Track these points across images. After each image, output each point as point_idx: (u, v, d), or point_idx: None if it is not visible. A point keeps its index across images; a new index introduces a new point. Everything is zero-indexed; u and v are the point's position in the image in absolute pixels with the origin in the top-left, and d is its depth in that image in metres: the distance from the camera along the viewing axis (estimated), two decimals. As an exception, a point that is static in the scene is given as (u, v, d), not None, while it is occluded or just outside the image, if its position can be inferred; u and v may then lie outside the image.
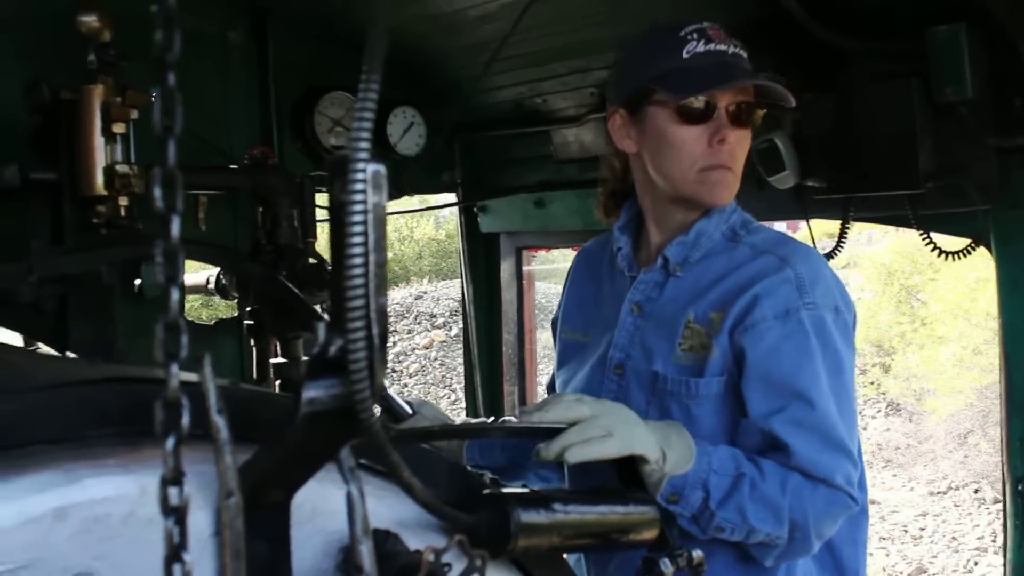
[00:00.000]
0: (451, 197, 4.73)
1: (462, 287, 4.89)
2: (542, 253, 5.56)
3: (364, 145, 0.93)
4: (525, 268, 4.84)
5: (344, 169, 0.93)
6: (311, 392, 0.94)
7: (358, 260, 0.92)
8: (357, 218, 0.92)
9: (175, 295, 0.93)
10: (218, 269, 3.82)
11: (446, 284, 21.20)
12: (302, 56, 4.02)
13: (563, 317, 2.76)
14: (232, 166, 3.57)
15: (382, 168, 0.94)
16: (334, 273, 0.94)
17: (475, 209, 4.69)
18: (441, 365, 18.36)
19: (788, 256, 2.31)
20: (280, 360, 3.30)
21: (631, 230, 2.58)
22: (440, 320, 19.90)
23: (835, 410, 2.21)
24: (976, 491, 12.09)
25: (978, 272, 11.39)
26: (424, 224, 22.50)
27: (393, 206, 5.31)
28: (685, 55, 2.31)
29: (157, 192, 0.93)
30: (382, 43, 0.95)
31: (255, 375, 3.36)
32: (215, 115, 3.86)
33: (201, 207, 3.52)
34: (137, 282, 3.31)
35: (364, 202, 0.92)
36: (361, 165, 0.93)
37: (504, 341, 4.72)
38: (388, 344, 0.95)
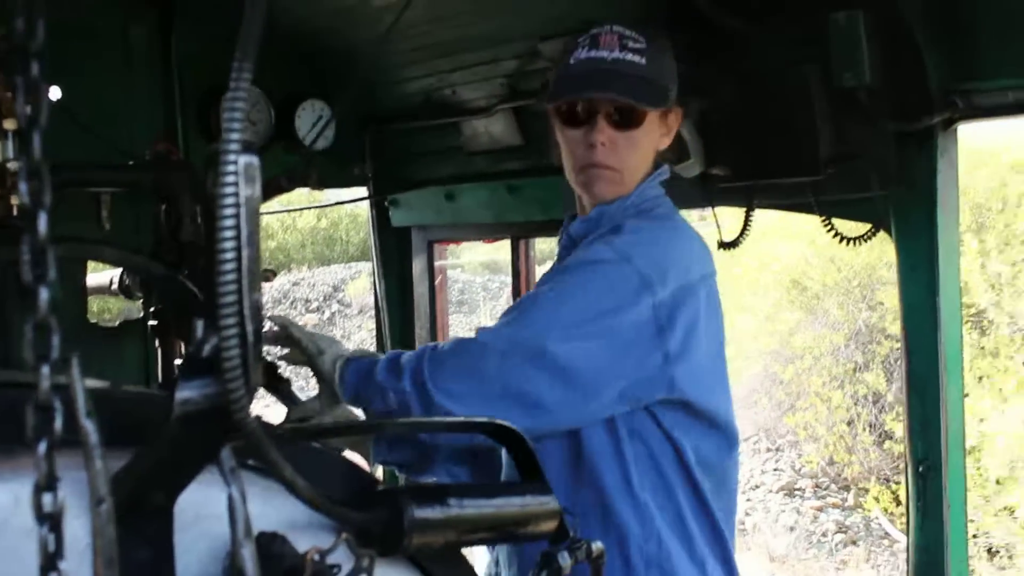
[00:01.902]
0: (362, 191, 4.70)
1: (374, 282, 4.86)
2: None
3: (235, 136, 0.91)
4: (437, 263, 4.83)
5: (217, 161, 0.91)
6: (185, 392, 0.92)
7: (230, 255, 0.90)
8: (229, 211, 0.90)
9: (44, 294, 0.89)
10: (121, 269, 3.74)
11: (323, 271, 21.84)
12: (208, 51, 3.95)
13: None
14: (133, 163, 3.50)
15: (255, 160, 0.92)
16: (206, 269, 0.92)
17: (386, 203, 4.66)
18: (313, 348, 18.90)
19: (624, 225, 2.47)
20: (186, 361, 3.24)
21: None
22: (315, 304, 20.65)
23: (534, 313, 2.37)
24: (756, 442, 13.57)
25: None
26: (306, 213, 22.83)
27: (303, 202, 5.26)
28: (571, 61, 2.50)
29: (23, 187, 0.89)
30: (256, 27, 0.93)
31: (160, 376, 3.31)
32: (118, 111, 3.79)
33: (103, 205, 3.45)
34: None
35: (236, 195, 0.90)
36: (232, 157, 0.90)
37: (416, 336, 4.69)
38: (263, 341, 0.93)
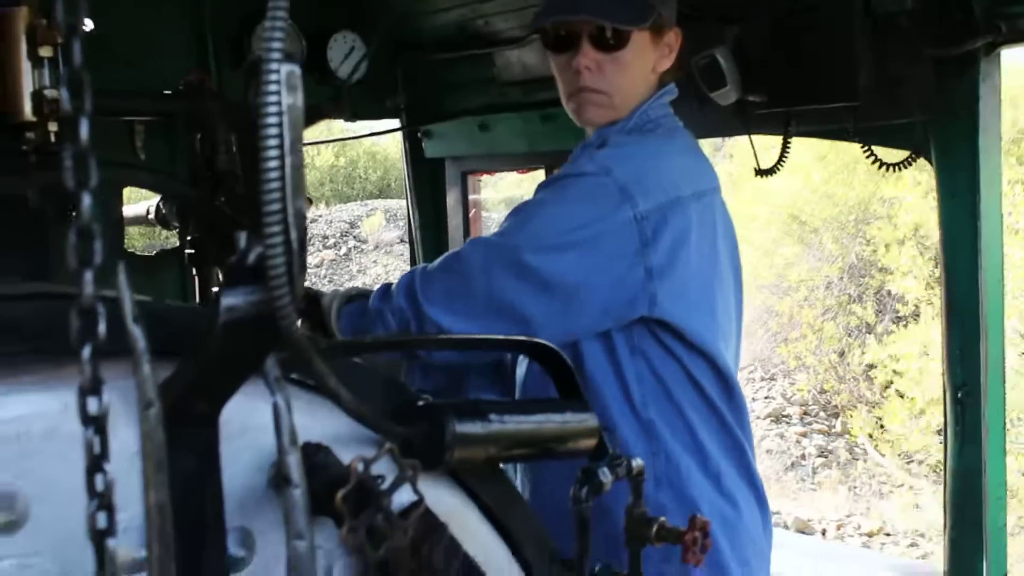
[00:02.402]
0: (394, 123, 4.68)
1: (408, 214, 4.85)
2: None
3: (277, 46, 0.90)
4: (471, 196, 4.81)
5: (257, 71, 0.90)
6: (229, 300, 0.92)
7: (274, 163, 0.89)
8: (272, 120, 0.90)
9: (87, 200, 0.90)
10: (158, 199, 3.76)
11: (339, 208, 22.05)
12: None
13: None
14: (167, 92, 3.50)
15: (296, 69, 0.91)
16: (249, 177, 0.92)
17: (419, 134, 4.64)
18: (330, 282, 19.39)
19: (609, 139, 2.49)
20: (224, 289, 3.26)
21: None
22: (331, 241, 20.96)
23: (515, 226, 2.38)
24: (751, 371, 14.04)
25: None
26: (325, 152, 22.99)
27: (331, 134, 5.25)
28: None
29: (64, 94, 0.89)
30: None
31: (199, 304, 3.32)
32: (151, 43, 3.77)
33: (137, 135, 3.46)
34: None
35: (278, 103, 0.90)
36: (274, 66, 0.90)
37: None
38: (307, 249, 0.93)
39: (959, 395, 2.83)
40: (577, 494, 1.47)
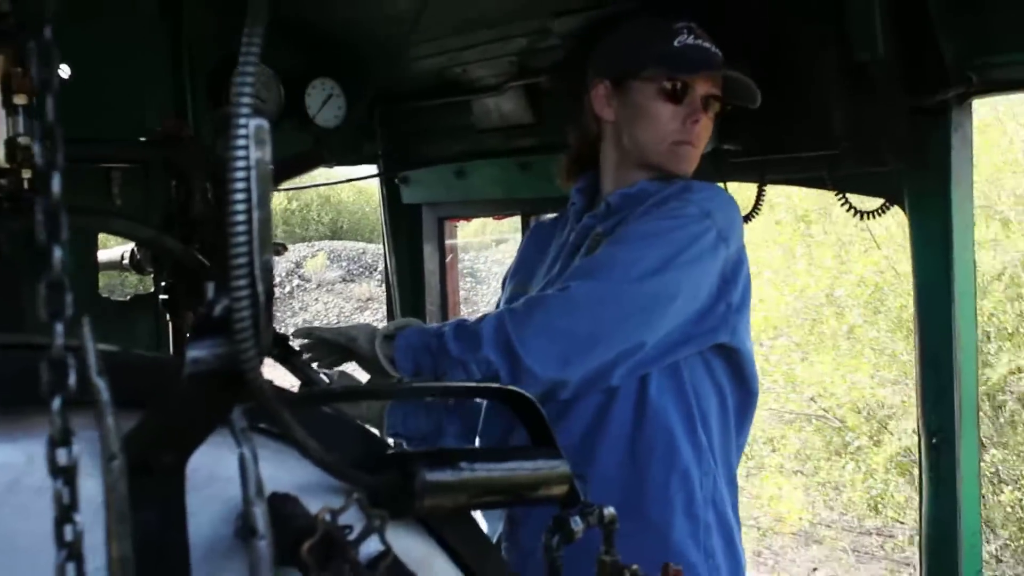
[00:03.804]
0: (372, 168, 4.70)
1: (385, 259, 4.86)
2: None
3: (246, 100, 0.91)
4: (448, 242, 4.83)
5: (226, 125, 0.91)
6: (195, 352, 0.92)
7: (242, 217, 0.90)
8: (240, 174, 0.90)
9: (57, 253, 0.90)
10: (132, 245, 3.75)
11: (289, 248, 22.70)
12: (218, 28, 3.95)
13: (511, 273, 2.98)
14: (143, 139, 3.50)
15: (265, 123, 0.92)
16: (218, 231, 0.92)
17: (396, 180, 4.66)
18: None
19: (693, 184, 2.64)
20: (197, 335, 3.24)
21: (588, 192, 2.86)
22: (277, 280, 21.73)
23: (617, 263, 2.47)
24: None
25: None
26: (278, 195, 23.50)
27: (311, 179, 5.26)
28: (676, 44, 2.65)
29: (36, 148, 0.90)
30: None
31: (171, 350, 3.31)
32: (128, 89, 3.79)
33: (114, 181, 3.46)
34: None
35: (246, 158, 0.90)
36: (243, 120, 0.91)
37: (427, 312, 4.69)
38: (274, 303, 0.94)
39: (934, 441, 2.84)
40: (548, 542, 1.46)
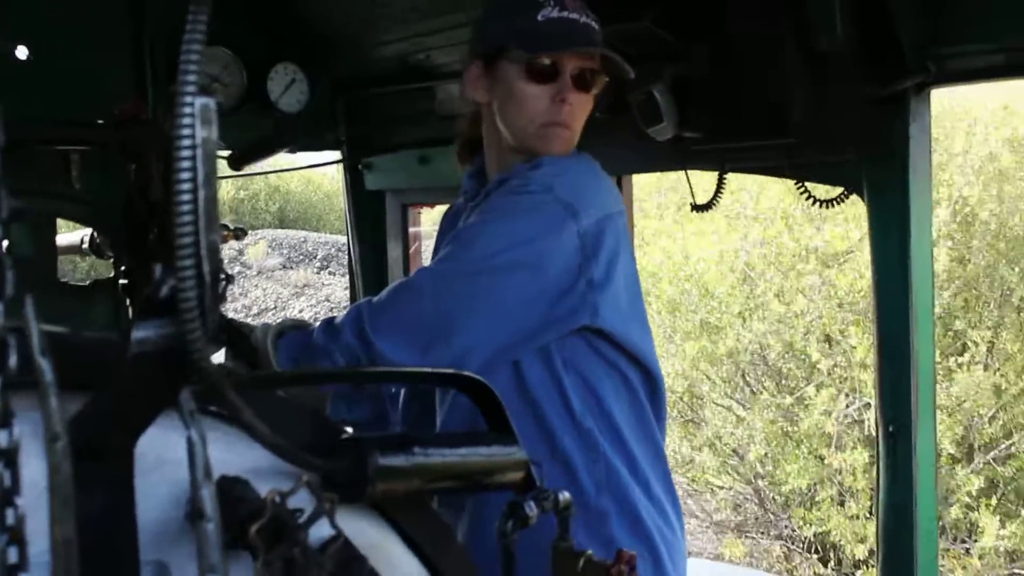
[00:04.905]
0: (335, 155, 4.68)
1: (348, 246, 4.84)
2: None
3: (191, 79, 0.90)
4: (412, 229, 4.82)
5: (172, 104, 0.90)
6: (141, 332, 0.92)
7: (187, 196, 0.89)
8: (185, 153, 0.90)
9: (-1, 234, 0.89)
10: (91, 229, 3.73)
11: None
12: (180, 11, 3.91)
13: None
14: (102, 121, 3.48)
15: (211, 102, 0.91)
16: (164, 210, 0.91)
17: (360, 167, 4.64)
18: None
19: (542, 160, 2.51)
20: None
21: (479, 178, 2.74)
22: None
23: (461, 250, 2.41)
24: None
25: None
26: (226, 185, 23.68)
27: (272, 165, 5.24)
28: (540, 19, 2.48)
29: None
30: None
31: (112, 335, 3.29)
32: (88, 71, 3.75)
33: (74, 165, 3.43)
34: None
35: (192, 136, 0.90)
36: (188, 99, 0.90)
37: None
38: (221, 282, 0.93)
39: (890, 429, 2.86)
40: (503, 527, 1.46)
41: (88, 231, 3.82)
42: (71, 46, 3.75)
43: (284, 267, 21.00)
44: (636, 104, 3.10)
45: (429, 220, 5.36)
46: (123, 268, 3.39)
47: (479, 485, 1.48)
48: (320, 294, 19.96)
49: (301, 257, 21.99)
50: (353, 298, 4.85)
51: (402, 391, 2.66)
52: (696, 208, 3.35)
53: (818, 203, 3.08)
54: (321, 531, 1.15)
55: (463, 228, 2.49)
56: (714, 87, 3.08)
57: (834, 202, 3.05)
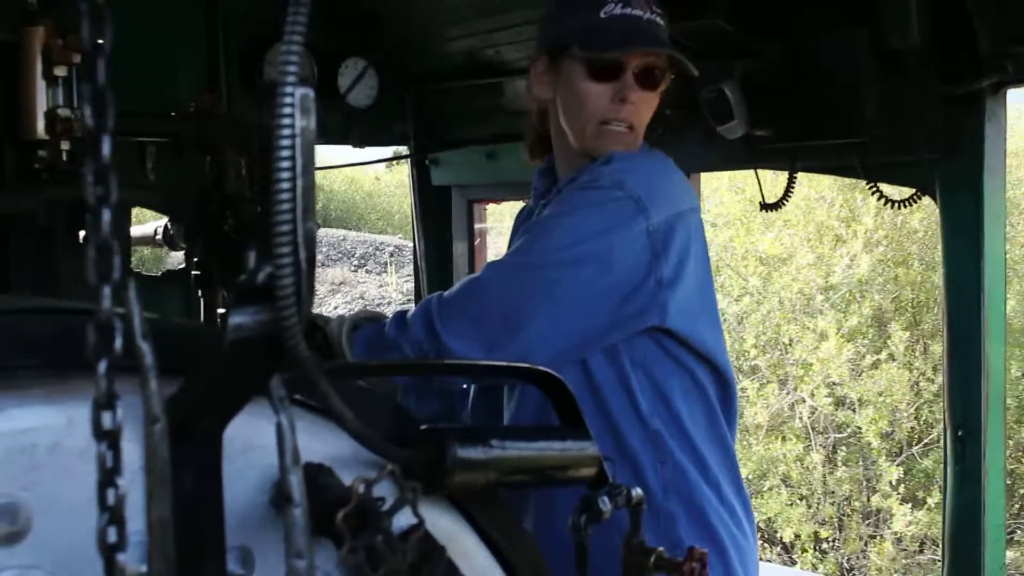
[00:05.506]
0: (403, 149, 4.71)
1: (414, 241, 4.87)
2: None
3: (292, 69, 0.92)
4: (477, 225, 4.83)
5: (272, 93, 0.92)
6: (237, 319, 0.93)
7: (286, 184, 0.91)
8: (285, 142, 0.91)
9: (106, 215, 0.91)
10: (166, 220, 3.78)
11: None
12: (253, 5, 3.96)
13: None
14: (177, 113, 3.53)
15: (310, 92, 0.93)
16: (263, 198, 0.93)
17: (427, 162, 4.66)
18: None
19: (613, 155, 2.46)
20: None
21: (550, 176, 2.70)
22: None
23: (530, 245, 2.38)
24: None
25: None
26: None
27: (342, 158, 5.27)
28: (602, 15, 2.43)
29: (87, 111, 0.91)
30: None
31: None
32: (163, 65, 3.80)
33: (149, 156, 3.48)
34: (82, 233, 3.27)
35: (292, 126, 0.91)
36: (289, 89, 0.91)
37: (456, 294, 4.69)
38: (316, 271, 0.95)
39: (960, 433, 2.83)
40: (576, 522, 1.47)
41: (162, 221, 3.88)
42: (145, 40, 3.80)
43: (322, 265, 21.17)
44: (706, 101, 3.09)
45: (493, 216, 5.37)
46: (195, 259, 3.43)
47: (552, 479, 1.49)
48: (355, 291, 20.04)
49: (339, 255, 22.10)
50: (418, 294, 4.88)
51: (472, 388, 2.66)
52: (765, 207, 3.33)
53: (890, 204, 3.05)
54: (400, 521, 1.17)
55: (533, 223, 2.48)
56: (785, 85, 3.06)
57: (906, 203, 3.02)
